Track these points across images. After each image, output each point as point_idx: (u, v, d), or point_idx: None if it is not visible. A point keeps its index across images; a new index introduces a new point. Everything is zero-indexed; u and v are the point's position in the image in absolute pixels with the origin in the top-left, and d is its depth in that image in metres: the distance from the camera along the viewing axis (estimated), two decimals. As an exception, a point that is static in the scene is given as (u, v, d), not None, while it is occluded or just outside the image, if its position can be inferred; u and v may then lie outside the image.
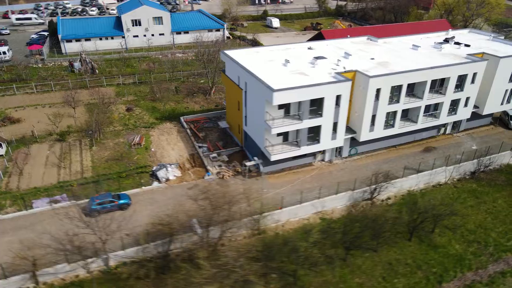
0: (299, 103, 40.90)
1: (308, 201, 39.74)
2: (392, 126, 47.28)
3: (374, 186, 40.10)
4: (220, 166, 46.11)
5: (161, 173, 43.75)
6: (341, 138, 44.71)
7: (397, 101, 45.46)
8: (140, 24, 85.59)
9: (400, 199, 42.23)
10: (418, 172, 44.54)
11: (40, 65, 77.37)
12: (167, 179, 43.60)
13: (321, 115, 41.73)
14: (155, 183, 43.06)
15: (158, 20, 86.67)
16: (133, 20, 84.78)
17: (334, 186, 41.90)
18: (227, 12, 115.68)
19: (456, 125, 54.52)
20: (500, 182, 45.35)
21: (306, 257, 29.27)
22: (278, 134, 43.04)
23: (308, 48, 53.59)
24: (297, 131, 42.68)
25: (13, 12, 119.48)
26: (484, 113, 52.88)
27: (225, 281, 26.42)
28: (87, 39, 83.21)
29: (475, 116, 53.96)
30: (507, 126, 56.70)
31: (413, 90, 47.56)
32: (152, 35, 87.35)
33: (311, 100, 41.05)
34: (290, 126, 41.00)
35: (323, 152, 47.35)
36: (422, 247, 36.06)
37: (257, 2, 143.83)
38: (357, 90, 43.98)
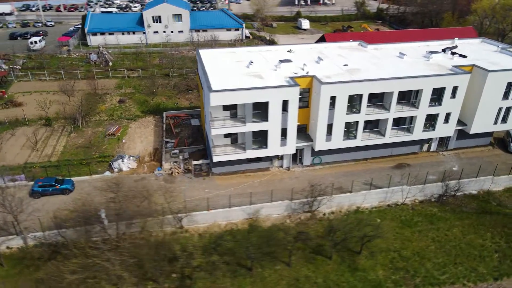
0: (244, 105, 40.19)
1: (241, 205, 39.06)
2: (354, 137, 44.58)
3: (312, 198, 38.28)
4: (175, 162, 46.86)
5: (115, 164, 45.59)
6: (292, 145, 43.12)
7: (358, 111, 42.80)
8: (160, 21, 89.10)
9: (343, 215, 39.81)
10: (372, 189, 41.69)
11: (65, 55, 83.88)
12: (120, 170, 45.32)
13: (266, 120, 40.68)
14: (107, 173, 44.98)
15: (178, 17, 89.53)
16: (153, 17, 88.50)
17: (279, 194, 40.68)
18: (258, 13, 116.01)
19: (443, 142, 49.98)
20: (467, 210, 40.84)
21: (187, 261, 28.98)
22: (226, 136, 42.71)
23: (288, 51, 52.30)
24: (244, 134, 41.98)
25: (65, 6, 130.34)
26: (472, 131, 47.70)
27: (94, 273, 27.14)
28: (111, 33, 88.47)
29: (470, 134, 48.82)
30: (507, 149, 50.71)
31: (382, 100, 44.47)
32: (172, 31, 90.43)
33: (259, 103, 40.22)
34: (231, 128, 40.49)
35: (281, 158, 46.08)
36: (342, 267, 33.78)
37: (296, 2, 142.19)
38: (313, 97, 42.19)
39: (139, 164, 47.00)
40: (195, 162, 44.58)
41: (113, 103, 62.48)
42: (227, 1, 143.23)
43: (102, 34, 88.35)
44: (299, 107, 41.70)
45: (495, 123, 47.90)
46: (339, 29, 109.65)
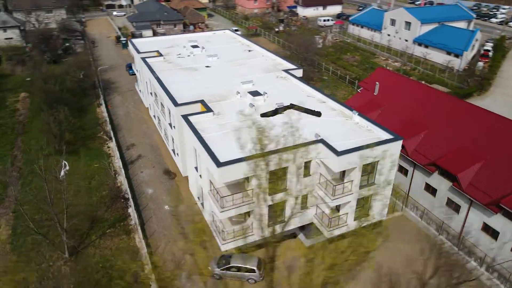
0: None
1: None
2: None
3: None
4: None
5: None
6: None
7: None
8: (394, 25, 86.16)
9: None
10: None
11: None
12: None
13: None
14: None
15: (408, 25, 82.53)
16: (391, 19, 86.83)
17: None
18: None
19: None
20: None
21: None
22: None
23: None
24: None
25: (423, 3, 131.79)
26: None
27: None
28: (362, 26, 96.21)
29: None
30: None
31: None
32: (400, 38, 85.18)
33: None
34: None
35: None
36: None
37: None
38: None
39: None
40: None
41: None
42: None
43: (357, 25, 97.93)
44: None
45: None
46: None
